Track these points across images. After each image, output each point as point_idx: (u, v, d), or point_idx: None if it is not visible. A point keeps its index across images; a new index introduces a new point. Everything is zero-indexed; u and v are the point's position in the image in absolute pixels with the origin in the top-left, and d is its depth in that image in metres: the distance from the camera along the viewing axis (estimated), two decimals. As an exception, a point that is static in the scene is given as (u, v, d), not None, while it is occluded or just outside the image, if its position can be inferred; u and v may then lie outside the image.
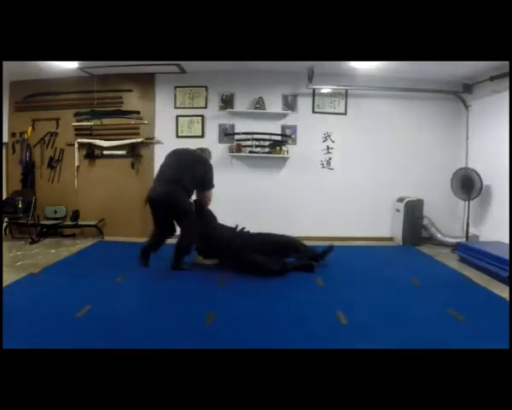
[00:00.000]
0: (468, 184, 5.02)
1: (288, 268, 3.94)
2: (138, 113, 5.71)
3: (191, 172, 3.96)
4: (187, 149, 4.24)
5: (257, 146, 5.61)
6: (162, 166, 4.08)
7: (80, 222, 5.60)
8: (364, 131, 5.70)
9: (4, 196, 5.60)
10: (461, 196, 5.17)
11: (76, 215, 5.57)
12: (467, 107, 5.60)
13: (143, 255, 4.05)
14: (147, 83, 5.68)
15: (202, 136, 5.71)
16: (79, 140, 5.70)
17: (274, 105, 5.66)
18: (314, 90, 5.64)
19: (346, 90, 5.66)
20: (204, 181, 4.05)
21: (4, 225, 5.66)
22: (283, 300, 3.32)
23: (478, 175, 4.88)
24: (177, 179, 3.86)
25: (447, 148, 5.74)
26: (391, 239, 5.78)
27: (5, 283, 3.44)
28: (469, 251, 4.48)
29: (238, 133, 5.63)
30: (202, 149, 4.35)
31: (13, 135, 5.74)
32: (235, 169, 5.69)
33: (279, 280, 3.73)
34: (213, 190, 4.03)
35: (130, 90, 5.70)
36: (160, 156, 5.62)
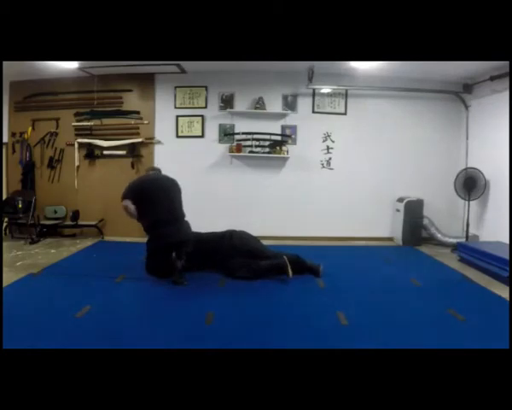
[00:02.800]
0: (470, 184, 5.01)
1: (258, 272, 3.78)
2: (138, 113, 5.71)
3: (178, 198, 3.98)
4: (160, 175, 4.16)
5: (257, 146, 5.61)
6: (154, 201, 3.80)
7: (80, 222, 5.60)
8: (364, 131, 5.70)
9: (4, 196, 5.61)
10: (464, 196, 5.15)
11: (76, 215, 5.57)
12: (467, 107, 5.60)
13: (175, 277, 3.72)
14: (147, 83, 5.68)
15: (202, 136, 5.71)
16: (79, 140, 5.70)
17: (274, 105, 5.66)
18: (314, 90, 5.64)
19: (346, 90, 5.66)
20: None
21: (4, 225, 5.66)
22: (283, 300, 3.32)
23: (482, 174, 4.90)
24: (180, 211, 3.90)
25: (447, 148, 5.75)
26: (391, 239, 5.78)
27: (5, 283, 3.44)
28: (469, 251, 4.48)
29: (238, 133, 5.63)
30: (158, 169, 4.29)
31: (13, 135, 5.75)
32: (235, 169, 5.69)
33: (279, 281, 3.72)
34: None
35: (130, 90, 5.70)
36: (160, 156, 5.67)
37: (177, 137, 5.72)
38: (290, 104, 5.68)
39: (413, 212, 5.45)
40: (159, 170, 4.26)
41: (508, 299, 3.31)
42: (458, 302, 3.25)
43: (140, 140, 5.66)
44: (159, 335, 2.61)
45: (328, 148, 5.74)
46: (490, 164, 4.95)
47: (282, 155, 5.59)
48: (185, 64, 5.21)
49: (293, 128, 5.70)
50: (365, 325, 2.81)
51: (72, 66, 4.94)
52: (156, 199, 3.80)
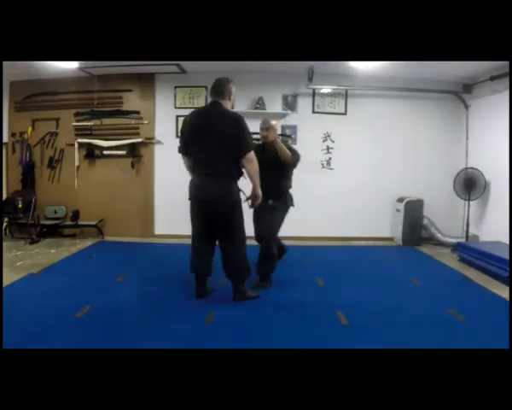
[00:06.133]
0: (470, 184, 5.02)
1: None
2: (138, 113, 5.70)
3: (226, 146, 2.93)
4: (215, 111, 3.06)
5: (257, 146, 5.60)
6: (195, 140, 2.98)
7: (80, 222, 5.59)
8: (364, 131, 5.70)
9: (4, 196, 5.60)
10: (463, 196, 5.15)
11: (76, 215, 5.57)
12: (467, 107, 5.60)
13: (199, 285, 3.27)
14: (147, 83, 5.68)
15: (202, 136, 5.70)
16: (79, 140, 5.69)
17: (274, 105, 5.66)
18: (314, 90, 5.64)
19: (346, 90, 5.66)
20: (239, 144, 2.94)
21: (4, 225, 5.66)
22: (283, 300, 3.31)
23: (481, 174, 4.90)
24: (219, 164, 2.94)
25: (447, 148, 5.74)
26: (391, 239, 5.78)
27: (5, 283, 3.44)
28: (469, 251, 4.48)
29: (238, 133, 5.62)
30: (224, 81, 3.23)
31: (13, 135, 5.74)
32: (235, 169, 5.68)
33: (279, 281, 3.72)
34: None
35: (130, 90, 5.70)
36: (160, 156, 5.67)
37: (177, 137, 5.71)
38: (290, 104, 5.68)
39: (413, 212, 5.45)
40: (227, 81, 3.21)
41: (508, 299, 3.31)
42: (458, 302, 3.25)
43: (140, 140, 5.66)
44: (159, 335, 2.61)
45: (328, 148, 5.74)
46: (490, 164, 4.95)
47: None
48: (185, 64, 5.21)
49: (293, 128, 5.70)
50: (365, 325, 2.81)
51: (72, 66, 4.93)
52: (197, 138, 2.98)
